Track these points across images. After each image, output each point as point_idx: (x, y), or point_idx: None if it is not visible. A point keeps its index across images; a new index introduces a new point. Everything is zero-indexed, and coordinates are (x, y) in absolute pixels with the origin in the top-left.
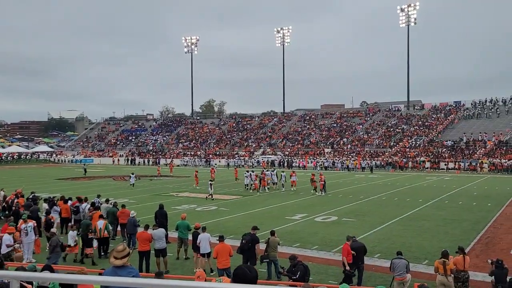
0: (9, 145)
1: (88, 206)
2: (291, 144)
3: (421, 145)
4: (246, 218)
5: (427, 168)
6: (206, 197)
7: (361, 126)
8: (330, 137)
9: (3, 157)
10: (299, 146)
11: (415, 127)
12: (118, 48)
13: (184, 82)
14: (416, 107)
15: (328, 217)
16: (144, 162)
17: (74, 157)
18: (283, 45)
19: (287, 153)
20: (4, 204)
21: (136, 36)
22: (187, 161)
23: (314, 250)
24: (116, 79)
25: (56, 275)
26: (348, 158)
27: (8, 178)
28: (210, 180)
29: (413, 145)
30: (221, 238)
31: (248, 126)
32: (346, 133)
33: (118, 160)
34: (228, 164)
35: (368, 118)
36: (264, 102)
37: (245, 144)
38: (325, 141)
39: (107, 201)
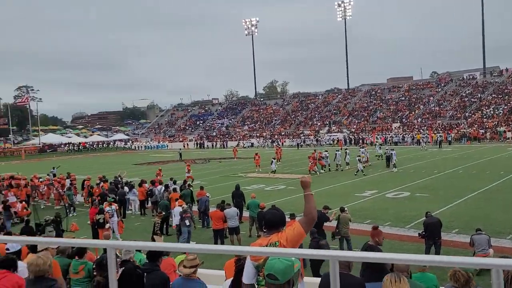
0: (91, 135)
1: (162, 188)
2: (357, 121)
3: (500, 114)
4: (314, 196)
5: (508, 138)
6: (269, 173)
7: (432, 97)
8: (398, 111)
9: (86, 146)
10: (365, 122)
11: (493, 95)
12: (181, 35)
13: (246, 64)
14: (493, 74)
15: (400, 193)
16: (212, 145)
17: (147, 143)
18: (345, 19)
19: (353, 130)
20: (90, 189)
21: (197, 22)
22: (252, 143)
23: (387, 227)
24: (181, 66)
25: (158, 244)
26: (419, 132)
27: (92, 164)
28: (273, 158)
29: (491, 114)
30: (292, 216)
31: (312, 104)
32: (416, 106)
33: (188, 144)
34: (298, 144)
35: (440, 89)
36: (327, 80)
37: (310, 123)
38: (393, 115)
39: (184, 183)
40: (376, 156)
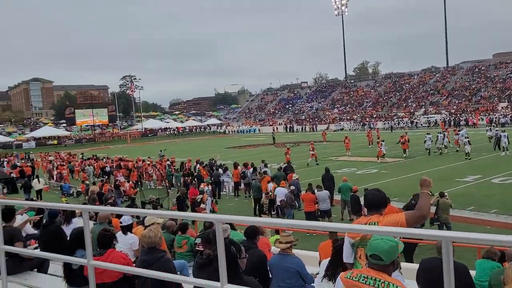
0: (186, 120)
1: (252, 170)
2: (457, 101)
3: None
4: (410, 180)
5: None
6: (378, 157)
7: None
8: (506, 89)
9: (181, 131)
10: (467, 102)
11: None
12: (269, 20)
13: (336, 46)
14: None
15: (508, 178)
16: (302, 129)
17: (239, 127)
18: None
19: (452, 111)
20: (187, 171)
21: (285, 6)
22: (343, 126)
23: (493, 214)
24: (269, 51)
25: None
26: None
27: (188, 148)
28: (382, 140)
29: None
30: (388, 200)
31: (407, 85)
32: None
33: (277, 128)
34: (392, 127)
35: None
36: (423, 58)
37: (404, 104)
38: (500, 94)
39: (280, 168)
40: (488, 138)
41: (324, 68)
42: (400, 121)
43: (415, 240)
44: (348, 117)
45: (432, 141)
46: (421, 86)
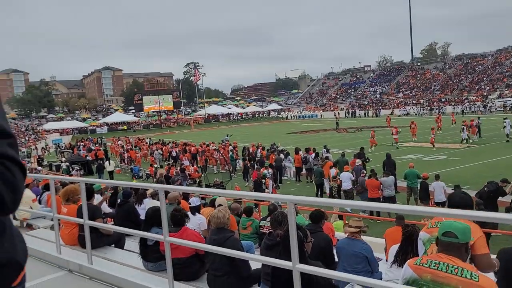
0: (247, 105)
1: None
2: None
3: None
4: (481, 168)
5: None
6: (461, 141)
7: None
8: None
9: (243, 116)
10: None
11: None
12: (330, 2)
13: (402, 27)
14: None
15: None
16: (364, 114)
17: (300, 112)
18: None
19: None
20: (249, 155)
21: None
22: (409, 110)
23: None
24: (330, 34)
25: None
26: None
27: (249, 133)
28: (463, 125)
29: None
30: (457, 187)
31: (479, 67)
32: None
33: (339, 113)
34: (463, 111)
35: None
36: (498, 38)
37: (476, 87)
38: None
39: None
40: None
41: (388, 51)
42: (472, 105)
43: (490, 230)
44: (414, 102)
45: (511, 125)
46: (496, 67)
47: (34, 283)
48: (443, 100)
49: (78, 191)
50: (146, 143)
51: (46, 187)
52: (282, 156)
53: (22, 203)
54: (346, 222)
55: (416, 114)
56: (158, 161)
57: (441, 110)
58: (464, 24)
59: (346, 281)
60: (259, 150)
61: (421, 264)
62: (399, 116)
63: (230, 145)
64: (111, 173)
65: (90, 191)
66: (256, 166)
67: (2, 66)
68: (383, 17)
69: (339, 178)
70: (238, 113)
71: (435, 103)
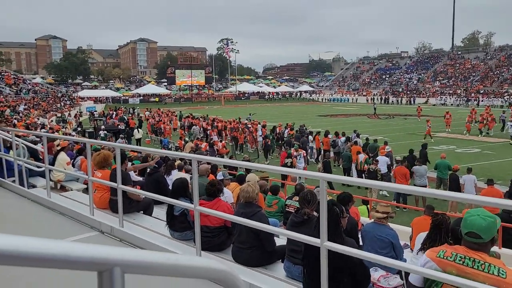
0: (279, 85)
1: (344, 140)
2: None
3: None
4: None
5: None
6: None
7: None
8: None
9: (274, 96)
10: None
11: None
12: None
13: (444, 13)
14: None
15: None
16: (398, 101)
17: (331, 95)
18: None
19: None
20: (277, 135)
21: None
22: (445, 100)
23: None
24: (367, 18)
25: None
26: None
27: (279, 113)
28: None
29: None
30: (490, 182)
31: None
32: None
33: (372, 99)
34: (510, 104)
35: None
36: None
37: None
38: None
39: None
40: None
41: (428, 38)
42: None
43: None
44: (450, 91)
45: None
46: None
47: (69, 240)
48: (481, 91)
49: (111, 157)
50: (176, 116)
51: (79, 152)
52: (310, 138)
53: (57, 165)
54: (374, 207)
55: (452, 104)
56: (194, 136)
57: (479, 103)
58: (509, 14)
59: (371, 265)
60: (286, 130)
61: (445, 257)
62: (434, 105)
63: (258, 123)
64: (138, 140)
65: (123, 157)
66: (284, 147)
67: (42, 32)
68: (425, 2)
69: (375, 162)
70: (270, 92)
71: (472, 94)
